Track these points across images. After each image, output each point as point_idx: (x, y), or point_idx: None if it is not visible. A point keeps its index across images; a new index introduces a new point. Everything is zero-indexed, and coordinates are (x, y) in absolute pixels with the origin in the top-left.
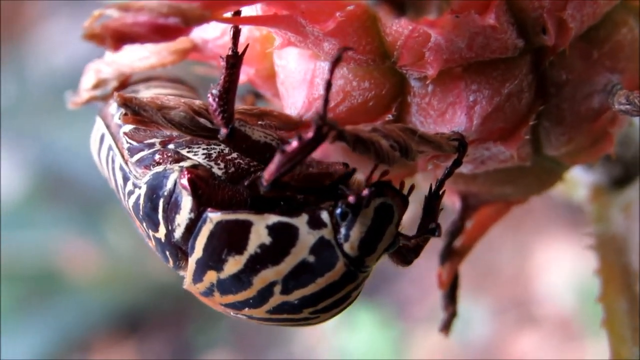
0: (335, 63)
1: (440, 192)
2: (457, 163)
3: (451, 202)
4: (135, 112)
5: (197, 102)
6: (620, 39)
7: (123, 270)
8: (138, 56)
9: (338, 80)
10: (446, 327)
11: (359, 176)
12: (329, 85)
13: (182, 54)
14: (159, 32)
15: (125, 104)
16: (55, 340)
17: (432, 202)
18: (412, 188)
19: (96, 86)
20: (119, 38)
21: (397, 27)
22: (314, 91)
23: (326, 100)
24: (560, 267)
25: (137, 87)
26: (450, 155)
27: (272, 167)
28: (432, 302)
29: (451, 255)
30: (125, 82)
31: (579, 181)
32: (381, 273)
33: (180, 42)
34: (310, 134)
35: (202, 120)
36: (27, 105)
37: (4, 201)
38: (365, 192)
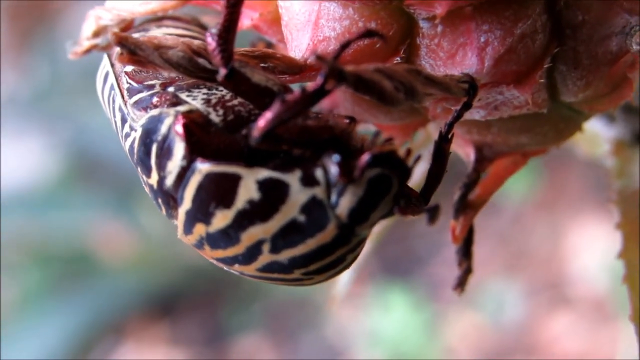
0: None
1: (449, 136)
2: (467, 106)
3: (465, 154)
4: (132, 51)
5: (197, 42)
6: None
7: (156, 253)
8: (138, 1)
9: (343, 20)
10: (460, 284)
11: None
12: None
13: None
14: None
15: (121, 43)
16: (89, 322)
17: (441, 146)
18: (418, 159)
19: (96, 34)
20: None
21: None
22: (319, 33)
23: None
24: (594, 248)
25: (148, 27)
26: (461, 100)
27: (267, 115)
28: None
29: (465, 209)
30: (126, 29)
31: (601, 137)
32: (414, 254)
33: None
34: (315, 85)
35: (201, 60)
36: (60, 87)
37: (38, 183)
38: (361, 160)
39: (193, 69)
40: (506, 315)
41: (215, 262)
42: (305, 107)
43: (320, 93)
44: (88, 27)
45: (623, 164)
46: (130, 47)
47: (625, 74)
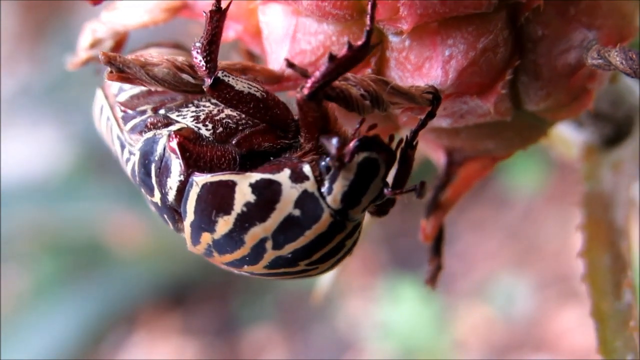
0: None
1: (414, 143)
2: (431, 115)
3: (437, 158)
4: (120, 69)
5: (180, 58)
6: None
7: (168, 244)
8: (131, 14)
9: (318, 35)
10: (431, 280)
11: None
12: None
13: (174, 12)
14: None
15: (110, 61)
16: (101, 312)
17: (407, 152)
18: (400, 142)
19: (92, 45)
20: None
21: None
22: (296, 46)
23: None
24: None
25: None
26: (426, 108)
27: (317, 74)
28: (475, 277)
29: (436, 209)
30: (121, 42)
31: (572, 140)
32: (424, 247)
33: (172, 1)
34: (360, 43)
35: (184, 75)
36: (75, 79)
37: (51, 174)
38: (349, 146)
39: (177, 83)
40: (515, 309)
41: (225, 267)
42: (353, 63)
43: (365, 48)
44: (85, 40)
45: (592, 167)
46: (118, 65)
47: (584, 85)
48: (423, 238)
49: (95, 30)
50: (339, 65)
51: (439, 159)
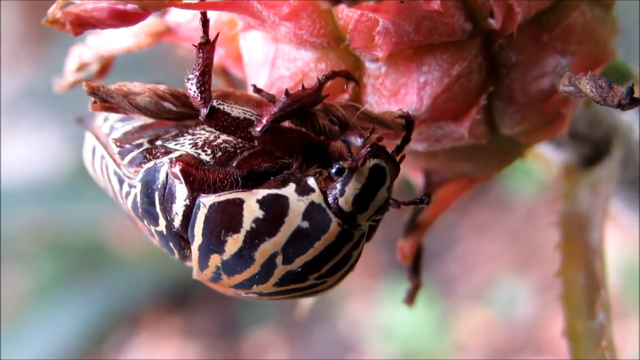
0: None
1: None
2: (406, 140)
3: (415, 180)
4: (103, 99)
5: (162, 87)
6: (571, 22)
7: None
8: (116, 39)
9: (296, 61)
10: (410, 298)
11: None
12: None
13: (158, 37)
14: (118, 18)
15: (94, 92)
16: (103, 313)
17: None
18: (403, 157)
19: (79, 69)
20: (79, 23)
21: (347, 12)
22: (276, 72)
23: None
24: (604, 246)
25: None
26: (401, 133)
27: (270, 112)
28: (476, 280)
29: (414, 229)
30: (107, 66)
31: (551, 160)
32: (426, 251)
33: (156, 26)
34: (313, 87)
35: (166, 104)
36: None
37: (54, 174)
38: (363, 151)
39: (159, 111)
40: (516, 312)
41: (233, 291)
42: (303, 105)
43: (318, 91)
44: (71, 63)
45: (570, 187)
46: (102, 95)
47: (558, 110)
48: (401, 258)
49: (81, 54)
50: (292, 103)
51: (417, 180)
